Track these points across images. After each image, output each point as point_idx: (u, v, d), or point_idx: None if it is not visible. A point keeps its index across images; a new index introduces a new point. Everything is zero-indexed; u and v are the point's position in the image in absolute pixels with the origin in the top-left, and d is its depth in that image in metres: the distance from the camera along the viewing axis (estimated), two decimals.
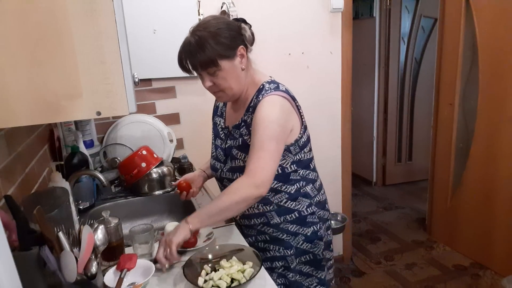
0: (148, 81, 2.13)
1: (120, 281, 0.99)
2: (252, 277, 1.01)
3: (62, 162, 1.65)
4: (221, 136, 1.34)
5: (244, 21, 1.22)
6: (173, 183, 1.59)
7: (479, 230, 2.62)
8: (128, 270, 1.04)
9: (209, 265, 1.08)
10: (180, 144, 2.25)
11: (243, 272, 1.03)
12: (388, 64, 3.89)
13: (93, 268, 0.88)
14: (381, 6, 3.81)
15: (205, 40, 1.11)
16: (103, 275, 1.01)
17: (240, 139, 1.23)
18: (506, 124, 2.34)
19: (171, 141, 2.04)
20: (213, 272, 1.05)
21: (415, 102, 4.04)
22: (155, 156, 1.75)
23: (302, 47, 2.38)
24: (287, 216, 1.27)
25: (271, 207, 1.27)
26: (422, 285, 2.47)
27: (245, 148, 1.20)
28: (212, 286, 0.99)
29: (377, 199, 3.87)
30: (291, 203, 1.27)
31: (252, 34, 1.21)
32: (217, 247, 1.16)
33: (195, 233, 1.23)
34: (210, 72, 1.15)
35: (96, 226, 1.03)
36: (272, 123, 1.13)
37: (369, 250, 2.93)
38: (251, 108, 1.20)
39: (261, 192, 1.11)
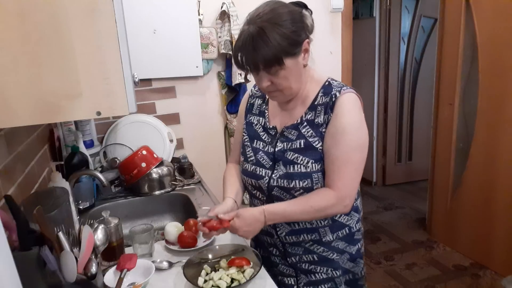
0: (148, 81, 2.13)
1: (120, 281, 0.99)
2: (252, 277, 1.01)
3: (62, 162, 1.65)
4: (264, 138, 1.15)
5: (305, 6, 1.06)
6: (199, 220, 1.06)
7: (479, 230, 2.62)
8: (128, 270, 1.04)
9: (209, 265, 1.08)
10: (180, 144, 2.25)
11: (243, 272, 1.03)
12: (388, 64, 3.89)
13: (93, 268, 0.88)
14: (381, 6, 3.81)
15: (270, 34, 0.94)
16: (103, 275, 1.01)
17: (302, 141, 1.06)
18: (506, 124, 2.34)
19: (171, 141, 2.03)
20: (213, 272, 1.05)
21: (415, 102, 4.04)
22: (155, 156, 1.75)
23: None
24: (339, 232, 1.15)
25: (326, 222, 1.12)
26: (422, 285, 2.47)
27: (310, 150, 1.05)
28: (212, 286, 0.99)
29: (377, 199, 3.87)
30: (345, 217, 1.14)
31: (313, 21, 1.06)
32: (217, 247, 1.16)
33: (195, 233, 1.23)
34: (271, 71, 1.00)
35: (96, 226, 1.03)
36: (357, 130, 1.03)
37: (369, 250, 2.93)
38: (321, 107, 1.05)
39: (348, 210, 1.06)
